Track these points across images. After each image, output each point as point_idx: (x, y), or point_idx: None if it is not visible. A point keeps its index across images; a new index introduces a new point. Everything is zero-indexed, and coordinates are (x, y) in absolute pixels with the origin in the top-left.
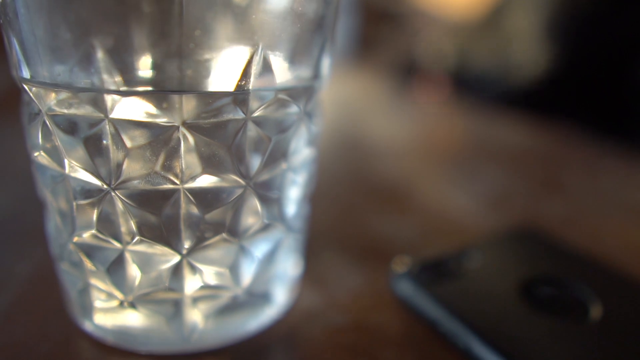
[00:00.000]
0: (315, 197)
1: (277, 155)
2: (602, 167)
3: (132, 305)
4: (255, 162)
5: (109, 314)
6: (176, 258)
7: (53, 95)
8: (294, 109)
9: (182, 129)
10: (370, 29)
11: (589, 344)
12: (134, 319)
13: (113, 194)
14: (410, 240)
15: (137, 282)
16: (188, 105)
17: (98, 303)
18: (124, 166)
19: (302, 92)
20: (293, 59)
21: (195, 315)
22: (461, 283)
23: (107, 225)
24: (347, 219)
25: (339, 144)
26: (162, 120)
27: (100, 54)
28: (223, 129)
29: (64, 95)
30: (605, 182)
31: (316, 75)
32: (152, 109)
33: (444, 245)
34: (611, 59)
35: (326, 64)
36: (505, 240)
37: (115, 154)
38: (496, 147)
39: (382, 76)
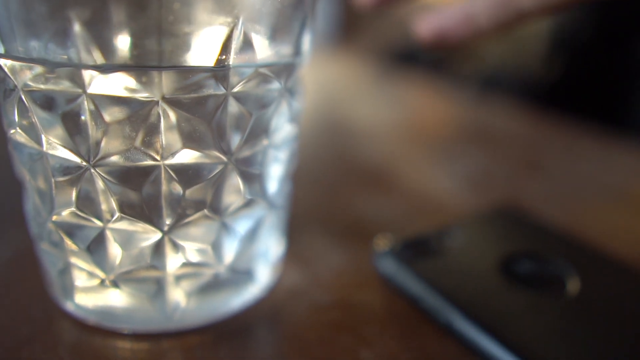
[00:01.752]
0: (298, 178)
1: (258, 131)
2: (581, 150)
3: (114, 284)
4: (236, 138)
5: (91, 293)
6: (157, 235)
7: (29, 70)
8: (274, 85)
9: (162, 104)
10: (352, 14)
11: (567, 317)
12: (116, 298)
13: (92, 171)
14: (393, 220)
15: (118, 260)
16: (167, 80)
17: (79, 283)
18: (103, 142)
19: (283, 69)
20: (274, 34)
21: (177, 293)
22: (442, 260)
23: (86, 203)
24: (330, 199)
25: (322, 127)
26: (141, 95)
27: (77, 28)
28: (203, 105)
29: (40, 70)
30: (585, 165)
31: (297, 51)
32: (131, 84)
33: (426, 225)
34: (594, 44)
35: (307, 40)
36: (486, 218)
37: (94, 130)
38: (478, 129)
39: (365, 61)
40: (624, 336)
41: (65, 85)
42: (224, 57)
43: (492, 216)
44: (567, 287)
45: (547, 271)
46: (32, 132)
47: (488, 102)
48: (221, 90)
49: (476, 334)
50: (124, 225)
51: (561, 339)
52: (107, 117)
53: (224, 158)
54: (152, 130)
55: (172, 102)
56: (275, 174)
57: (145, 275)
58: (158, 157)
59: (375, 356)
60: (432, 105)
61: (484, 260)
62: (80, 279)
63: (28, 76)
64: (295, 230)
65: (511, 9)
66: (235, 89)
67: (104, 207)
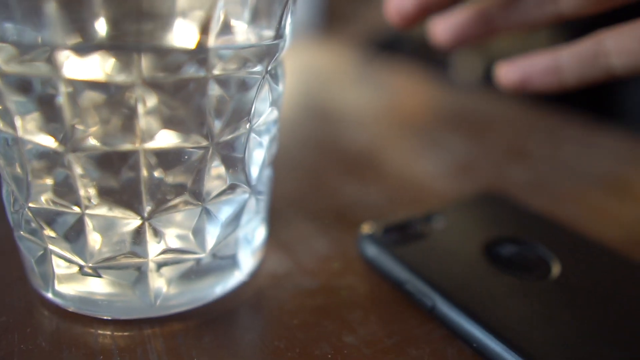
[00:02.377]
0: (283, 164)
1: (239, 115)
2: (564, 136)
3: (94, 271)
4: (217, 122)
5: (70, 281)
6: (137, 221)
7: (1, 53)
8: (256, 68)
9: (141, 87)
10: (337, 2)
11: (550, 300)
12: (96, 285)
13: (69, 156)
14: (378, 206)
15: (97, 247)
16: (146, 62)
17: (58, 270)
18: (80, 126)
19: (264, 52)
20: (255, 17)
21: (159, 280)
22: (426, 244)
23: (64, 189)
24: (316, 186)
25: (308, 114)
26: (119, 78)
27: (51, 7)
28: (183, 88)
29: (13, 52)
30: (567, 150)
31: (279, 34)
32: (109, 66)
33: (411, 211)
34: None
35: (289, 23)
36: (469, 203)
37: (70, 114)
38: (461, 116)
39: (349, 49)
40: (605, 318)
41: (40, 69)
42: (204, 39)
43: (476, 201)
44: (550, 271)
45: (530, 255)
46: (7, 116)
47: (480, 89)
48: (202, 73)
49: (459, 317)
50: (103, 211)
51: (543, 321)
52: (83, 101)
53: (204, 142)
54: (131, 114)
55: (151, 85)
56: (256, 159)
57: (126, 262)
58: (137, 142)
59: (359, 341)
60: (417, 92)
61: (467, 245)
62: (59, 267)
63: (1, 59)
64: (280, 216)
65: (599, 67)
66: (216, 72)
67: (82, 193)
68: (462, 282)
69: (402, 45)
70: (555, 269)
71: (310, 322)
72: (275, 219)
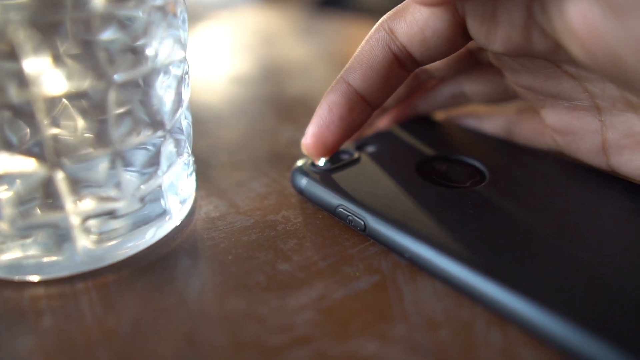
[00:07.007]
0: (226, 116)
1: (135, 52)
2: None
3: (13, 234)
4: (115, 57)
5: None
6: (51, 173)
7: None
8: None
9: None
10: None
11: (477, 205)
12: (21, 249)
13: None
14: None
15: (10, 206)
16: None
17: None
18: None
19: None
20: None
21: (84, 234)
22: (356, 169)
23: None
24: (255, 134)
25: (255, 70)
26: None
27: None
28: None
29: None
30: None
31: None
32: None
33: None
34: None
35: None
36: (399, 129)
37: None
38: None
39: (295, 8)
40: (530, 216)
41: None
42: None
43: (406, 126)
44: (480, 180)
45: (460, 168)
46: None
47: None
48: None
49: (389, 230)
50: (11, 165)
51: (472, 224)
52: None
53: (103, 81)
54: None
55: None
56: (166, 99)
57: (46, 220)
58: (30, 90)
59: (294, 267)
60: (354, 39)
61: (397, 166)
62: None
63: None
64: (217, 163)
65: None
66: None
67: None
68: (392, 198)
69: (342, 1)
70: (485, 178)
71: (244, 256)
72: (211, 165)
